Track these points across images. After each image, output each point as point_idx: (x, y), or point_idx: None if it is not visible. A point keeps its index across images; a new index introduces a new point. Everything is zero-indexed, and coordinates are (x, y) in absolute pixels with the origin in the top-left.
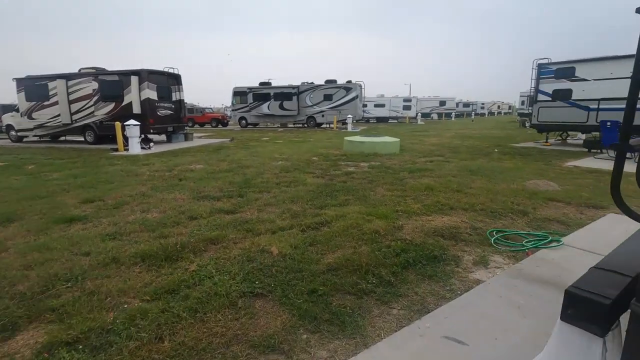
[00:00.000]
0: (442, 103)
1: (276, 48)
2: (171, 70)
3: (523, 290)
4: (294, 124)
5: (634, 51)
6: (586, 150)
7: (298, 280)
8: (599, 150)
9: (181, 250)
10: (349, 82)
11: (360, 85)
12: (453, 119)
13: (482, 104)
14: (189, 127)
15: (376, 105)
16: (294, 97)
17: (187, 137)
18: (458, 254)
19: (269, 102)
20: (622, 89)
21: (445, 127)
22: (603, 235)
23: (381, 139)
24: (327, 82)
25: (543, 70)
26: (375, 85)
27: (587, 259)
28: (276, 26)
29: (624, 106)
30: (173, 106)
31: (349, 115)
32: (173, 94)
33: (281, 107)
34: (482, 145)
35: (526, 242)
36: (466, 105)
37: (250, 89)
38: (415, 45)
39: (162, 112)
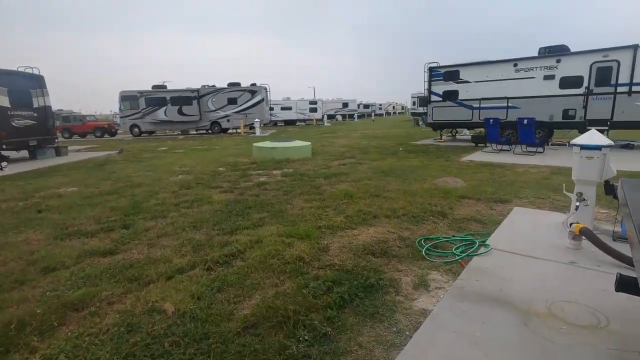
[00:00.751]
0: (345, 105)
1: (175, 50)
2: (29, 71)
3: (473, 317)
4: (196, 130)
5: (502, 57)
6: (474, 144)
7: (203, 356)
8: (484, 145)
9: (17, 333)
10: (254, 84)
11: (266, 88)
12: (356, 119)
13: (380, 105)
14: (66, 138)
15: (283, 108)
16: (194, 102)
17: (59, 152)
18: (395, 275)
19: (165, 107)
20: (497, 89)
21: (351, 128)
22: (519, 233)
23: (292, 143)
24: (230, 85)
25: (434, 73)
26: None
27: (518, 263)
28: (178, 26)
29: (500, 105)
30: (35, 115)
31: (256, 119)
32: (34, 100)
33: (180, 112)
34: (387, 145)
35: (456, 249)
36: (366, 106)
37: (142, 92)
38: (316, 50)
39: (18, 123)
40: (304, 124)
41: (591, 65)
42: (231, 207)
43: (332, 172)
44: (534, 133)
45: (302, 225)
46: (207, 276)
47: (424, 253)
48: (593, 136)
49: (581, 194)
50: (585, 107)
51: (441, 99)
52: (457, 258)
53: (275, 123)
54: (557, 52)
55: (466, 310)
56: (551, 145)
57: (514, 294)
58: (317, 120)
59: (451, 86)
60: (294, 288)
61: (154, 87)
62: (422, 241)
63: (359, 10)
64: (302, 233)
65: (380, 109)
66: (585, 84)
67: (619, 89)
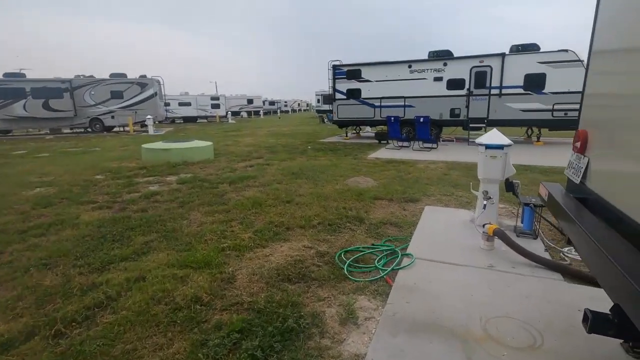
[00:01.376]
0: (250, 101)
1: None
2: None
3: (413, 356)
4: (71, 128)
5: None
6: (377, 142)
7: None
8: (387, 142)
9: None
10: (144, 76)
11: (159, 81)
12: (262, 116)
13: (285, 102)
14: None
15: (181, 104)
16: (66, 94)
17: None
18: (317, 307)
19: (24, 101)
20: (395, 89)
21: (257, 125)
22: (436, 235)
23: (191, 143)
24: (114, 76)
25: (337, 71)
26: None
27: (442, 274)
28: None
29: (398, 103)
30: None
31: (149, 116)
32: None
33: (47, 106)
34: (295, 143)
35: (379, 263)
36: (272, 103)
37: None
38: (219, 43)
39: None
40: (205, 121)
41: (471, 69)
42: (106, 229)
43: (238, 175)
44: (430, 130)
45: (200, 249)
46: (51, 350)
47: (346, 271)
48: (496, 136)
49: (487, 192)
50: (467, 107)
51: (345, 97)
52: (382, 274)
53: (172, 120)
54: (443, 56)
55: (404, 348)
56: (442, 141)
57: (447, 316)
58: (221, 117)
59: (354, 85)
60: (186, 351)
61: (7, 75)
62: (342, 255)
63: (265, 5)
64: (200, 260)
65: (286, 106)
66: (467, 86)
67: (492, 91)
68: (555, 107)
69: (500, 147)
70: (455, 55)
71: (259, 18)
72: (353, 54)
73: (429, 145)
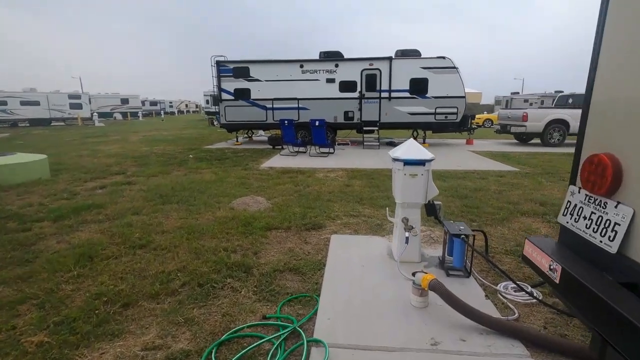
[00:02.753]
0: (125, 101)
1: None
2: None
3: None
4: None
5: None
6: (271, 147)
7: None
8: (281, 147)
9: None
10: None
11: None
12: (141, 118)
13: (171, 102)
14: None
15: (25, 103)
16: None
17: None
18: None
19: None
20: (287, 90)
21: (133, 129)
22: (352, 288)
23: (8, 158)
24: None
25: (222, 69)
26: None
27: None
28: None
29: (292, 105)
30: None
31: None
32: None
33: None
34: (175, 151)
35: (271, 359)
36: (154, 103)
37: None
38: (86, 36)
39: None
40: (63, 124)
41: (362, 72)
42: None
43: (75, 205)
44: (326, 134)
45: None
46: None
47: None
48: (415, 149)
49: (407, 219)
50: (360, 110)
51: (233, 98)
52: None
53: (14, 123)
54: (334, 57)
55: None
56: (337, 144)
57: None
58: (84, 119)
59: (242, 84)
60: None
61: None
62: (214, 354)
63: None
64: None
65: (171, 106)
66: (359, 88)
67: (383, 94)
68: (437, 110)
69: (421, 162)
70: (346, 57)
71: (143, 10)
72: (250, 54)
73: (326, 150)
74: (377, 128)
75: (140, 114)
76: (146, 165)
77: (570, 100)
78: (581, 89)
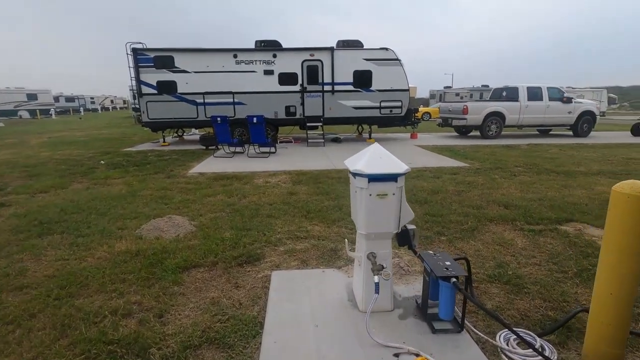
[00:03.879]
0: (32, 97)
1: None
2: None
3: None
4: None
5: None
6: (204, 148)
7: None
8: (216, 147)
9: None
10: None
11: None
12: (54, 117)
13: (92, 98)
14: None
15: None
16: None
17: None
18: None
19: None
20: (220, 83)
21: (38, 130)
22: None
23: None
24: None
25: (141, 58)
26: None
27: None
28: None
29: (226, 100)
30: None
31: None
32: None
33: None
34: (84, 156)
35: None
36: (70, 99)
37: None
38: None
39: None
40: None
41: (302, 63)
42: None
43: None
44: (266, 132)
45: None
46: None
47: None
48: (383, 159)
49: (375, 255)
50: (302, 105)
51: (156, 92)
52: None
53: None
54: (271, 46)
55: None
56: (280, 143)
57: None
58: None
59: (167, 76)
60: None
61: None
62: None
63: None
64: None
65: (92, 102)
66: (300, 81)
67: (326, 88)
68: (382, 104)
69: (392, 178)
70: (285, 46)
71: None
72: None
73: (267, 149)
74: (321, 124)
75: (52, 112)
76: (37, 176)
77: (504, 93)
78: (508, 82)
